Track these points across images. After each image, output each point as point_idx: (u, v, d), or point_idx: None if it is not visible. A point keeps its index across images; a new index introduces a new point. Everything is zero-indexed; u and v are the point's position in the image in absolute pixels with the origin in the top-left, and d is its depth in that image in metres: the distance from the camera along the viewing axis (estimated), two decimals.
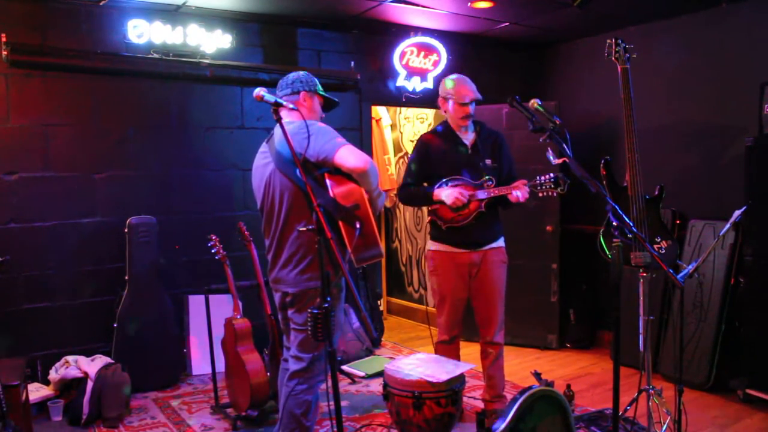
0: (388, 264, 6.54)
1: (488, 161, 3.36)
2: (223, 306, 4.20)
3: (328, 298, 2.06)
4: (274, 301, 2.82)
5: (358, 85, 5.00)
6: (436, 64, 5.24)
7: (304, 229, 2.29)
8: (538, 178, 3.16)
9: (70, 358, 3.84)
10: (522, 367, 4.58)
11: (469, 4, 4.37)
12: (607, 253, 3.31)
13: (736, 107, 4.27)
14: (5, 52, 3.72)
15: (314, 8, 4.49)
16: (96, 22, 4.05)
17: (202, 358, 4.34)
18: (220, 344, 3.78)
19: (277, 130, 2.60)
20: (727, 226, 3.18)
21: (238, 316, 3.65)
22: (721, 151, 4.39)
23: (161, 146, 4.34)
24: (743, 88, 4.17)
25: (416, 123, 6.13)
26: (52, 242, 3.98)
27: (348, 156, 2.42)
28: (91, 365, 3.74)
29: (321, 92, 2.72)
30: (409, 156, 3.55)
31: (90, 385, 3.62)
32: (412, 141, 6.19)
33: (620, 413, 2.90)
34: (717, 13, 4.39)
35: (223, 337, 3.75)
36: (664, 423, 3.14)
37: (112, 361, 3.84)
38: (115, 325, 4.04)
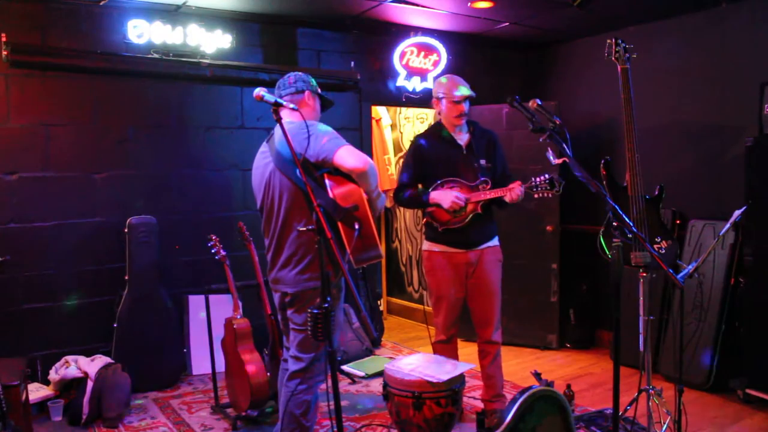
0: (388, 264, 6.54)
1: (483, 161, 3.36)
2: (223, 306, 4.20)
3: (328, 298, 2.06)
4: (273, 301, 2.82)
5: (358, 85, 5.00)
6: (436, 64, 5.24)
7: (304, 229, 2.29)
8: (533, 179, 3.16)
9: (70, 358, 3.85)
10: (522, 367, 4.58)
11: (469, 4, 4.37)
12: (607, 253, 3.31)
13: (736, 107, 4.27)
14: (5, 52, 3.72)
15: (314, 8, 4.49)
16: (96, 22, 4.05)
17: (202, 358, 4.34)
18: (220, 344, 3.78)
19: (277, 130, 2.60)
20: (727, 226, 3.18)
21: (238, 316, 3.65)
22: (721, 151, 4.38)
23: (161, 146, 4.34)
24: (743, 88, 4.17)
25: (416, 123, 6.13)
26: (52, 242, 3.98)
27: (347, 156, 2.42)
28: (91, 365, 3.74)
29: (318, 92, 2.73)
30: (403, 159, 3.54)
31: (90, 385, 3.62)
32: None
33: (620, 413, 2.89)
34: (717, 13, 4.39)
35: (223, 337, 3.75)
36: (664, 423, 3.14)
37: (112, 361, 3.84)
38: (115, 325, 4.04)
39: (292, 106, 2.45)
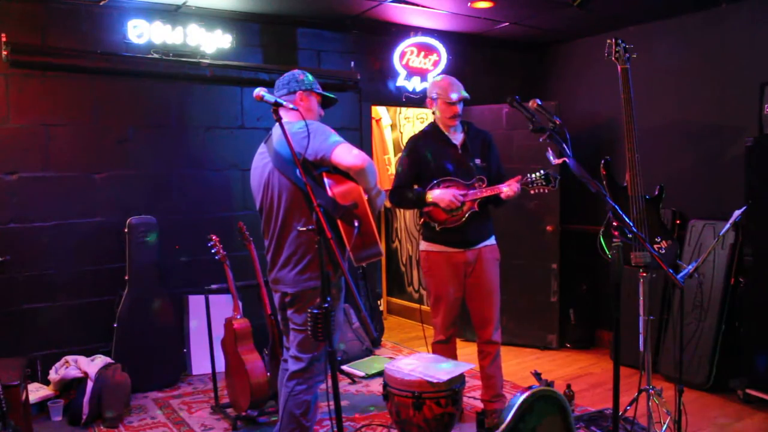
0: (388, 264, 6.54)
1: (478, 160, 3.36)
2: (223, 306, 4.20)
3: (328, 298, 2.06)
4: (273, 301, 2.82)
5: (358, 85, 5.00)
6: (436, 64, 5.24)
7: (304, 229, 2.28)
8: (528, 175, 3.17)
9: (70, 358, 3.85)
10: (522, 367, 4.58)
11: (469, 4, 4.37)
12: (607, 253, 3.31)
13: (736, 107, 4.27)
14: (5, 52, 3.72)
15: (314, 8, 4.49)
16: (96, 22, 4.05)
17: (202, 358, 4.34)
18: (220, 344, 3.78)
19: (275, 130, 2.60)
20: (727, 226, 3.18)
21: (238, 316, 3.65)
22: (721, 151, 4.38)
23: (161, 146, 4.34)
24: (743, 88, 4.17)
25: (416, 123, 6.13)
26: (52, 242, 3.98)
27: (345, 154, 2.42)
28: (91, 365, 3.74)
29: (318, 90, 2.72)
30: (399, 160, 3.54)
31: (90, 385, 3.62)
32: None
33: (620, 413, 2.90)
34: (717, 13, 4.39)
35: (223, 337, 3.75)
36: (664, 423, 3.14)
37: (112, 361, 3.84)
38: (115, 325, 4.04)
39: (291, 105, 2.45)
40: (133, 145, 4.24)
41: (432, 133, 3.43)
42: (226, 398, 3.78)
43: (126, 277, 4.11)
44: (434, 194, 3.27)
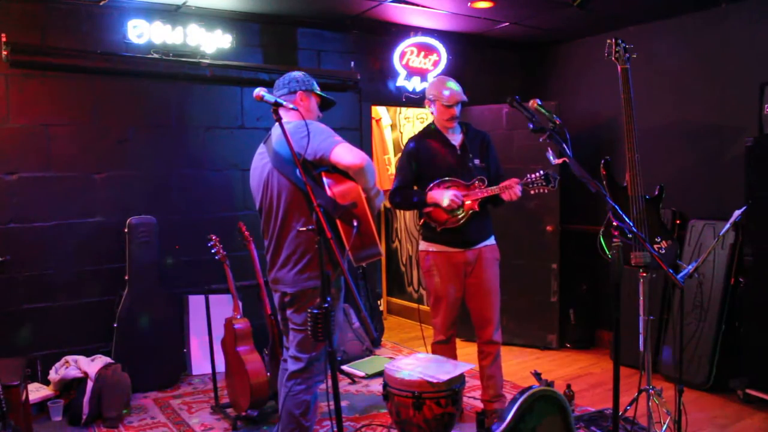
0: (388, 264, 6.54)
1: (477, 161, 3.37)
2: (223, 306, 4.20)
3: (328, 298, 2.06)
4: (273, 301, 2.82)
5: (358, 85, 5.00)
6: (436, 64, 5.24)
7: (304, 229, 2.28)
8: (528, 176, 3.17)
9: (70, 358, 3.85)
10: (522, 367, 4.58)
11: (469, 4, 4.37)
12: (607, 253, 3.31)
13: (736, 107, 4.27)
14: (5, 52, 3.72)
15: (314, 8, 4.49)
16: (96, 22, 4.05)
17: (202, 358, 4.34)
18: (220, 344, 3.78)
19: (275, 130, 2.61)
20: (727, 226, 3.18)
21: (238, 316, 3.65)
22: (721, 151, 4.38)
23: (161, 146, 4.34)
24: (743, 88, 4.17)
25: (416, 123, 6.13)
26: (52, 242, 3.98)
27: (344, 153, 2.42)
28: (91, 365, 3.74)
29: (318, 91, 2.72)
30: (398, 162, 3.54)
31: (90, 385, 3.62)
32: None
33: (620, 413, 2.90)
34: (717, 13, 4.39)
35: (223, 337, 3.75)
36: (664, 423, 3.14)
37: (112, 361, 3.84)
38: (115, 325, 4.04)
39: (291, 105, 2.45)
40: (133, 145, 4.24)
41: (431, 133, 3.43)
42: (226, 398, 3.78)
43: (126, 277, 4.11)
44: (434, 195, 3.27)
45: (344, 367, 4.49)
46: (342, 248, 2.39)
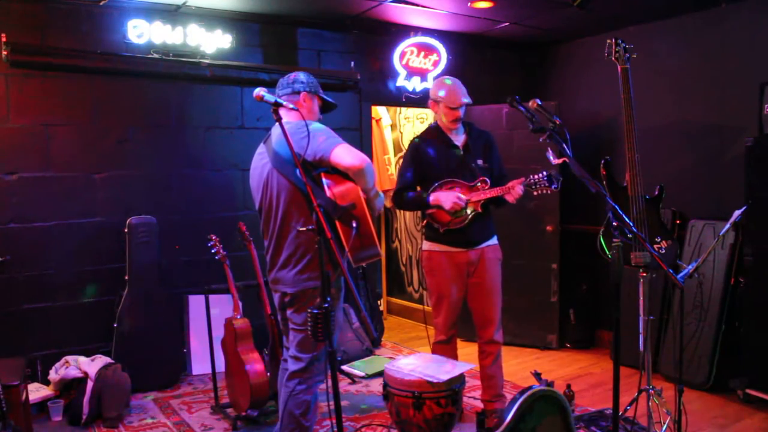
0: (388, 264, 6.54)
1: (480, 161, 3.36)
2: (223, 306, 4.20)
3: (328, 298, 2.06)
4: (273, 301, 2.82)
5: (358, 85, 5.00)
6: (436, 64, 5.24)
7: (304, 229, 2.29)
8: (531, 177, 3.16)
9: (70, 358, 3.85)
10: (522, 367, 4.58)
11: (469, 4, 4.37)
12: (607, 253, 3.31)
13: (736, 107, 4.27)
14: (5, 52, 3.72)
15: (314, 8, 4.49)
16: (96, 22, 4.05)
17: (202, 358, 4.34)
18: (220, 344, 3.78)
19: (274, 130, 2.61)
20: (727, 226, 3.18)
21: (238, 316, 3.65)
22: (721, 151, 4.38)
23: (161, 146, 4.34)
24: (743, 88, 4.17)
25: (416, 123, 6.13)
26: (52, 242, 3.98)
27: (344, 154, 2.42)
28: (91, 365, 3.74)
29: (321, 95, 2.73)
30: (401, 162, 3.54)
31: (90, 385, 3.62)
32: None
33: (620, 413, 2.90)
34: (717, 13, 4.39)
35: (223, 337, 3.75)
36: (664, 423, 3.14)
37: (112, 361, 3.84)
38: (115, 325, 4.04)
39: (291, 105, 2.45)
40: (133, 145, 4.24)
41: (434, 134, 3.43)
42: (226, 398, 3.78)
43: (126, 277, 4.11)
44: (438, 196, 3.26)
45: (344, 367, 4.49)
46: (342, 248, 2.39)
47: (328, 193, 2.43)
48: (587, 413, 3.65)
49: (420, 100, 5.33)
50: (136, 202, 4.22)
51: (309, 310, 2.05)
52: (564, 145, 2.37)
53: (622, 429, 3.25)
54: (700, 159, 4.51)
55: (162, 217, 4.25)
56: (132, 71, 4.15)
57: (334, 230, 2.38)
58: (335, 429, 2.06)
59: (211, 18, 4.34)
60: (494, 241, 3.45)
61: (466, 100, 3.32)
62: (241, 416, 3.55)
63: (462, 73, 3.50)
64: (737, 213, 3.19)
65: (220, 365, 3.85)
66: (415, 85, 5.24)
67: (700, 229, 4.34)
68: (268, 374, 3.53)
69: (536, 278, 5.08)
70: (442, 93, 3.34)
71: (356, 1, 4.29)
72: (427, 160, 3.37)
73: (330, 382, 2.07)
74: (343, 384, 4.24)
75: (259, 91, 2.24)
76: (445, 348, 3.45)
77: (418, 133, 3.59)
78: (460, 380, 2.98)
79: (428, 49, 5.18)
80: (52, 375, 3.77)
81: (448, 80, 3.40)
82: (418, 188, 3.41)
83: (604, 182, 3.41)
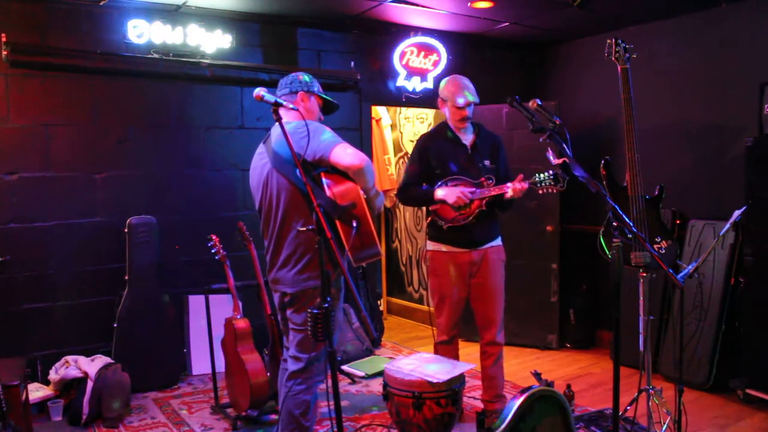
0: (388, 264, 6.54)
1: (487, 162, 3.36)
2: (223, 306, 4.20)
3: (328, 298, 2.06)
4: (273, 301, 2.82)
5: (358, 85, 5.00)
6: (436, 64, 5.24)
7: (304, 229, 2.29)
8: (537, 175, 3.15)
9: (70, 358, 3.85)
10: (522, 367, 4.58)
11: (469, 4, 4.37)
12: (607, 253, 3.31)
13: (736, 107, 4.27)
14: (5, 52, 3.72)
15: (314, 8, 4.49)
16: (96, 22, 4.05)
17: (202, 358, 4.34)
18: (220, 344, 3.78)
19: (274, 130, 2.61)
20: (727, 226, 3.18)
21: (238, 316, 3.65)
22: (721, 151, 4.38)
23: (161, 146, 4.34)
24: (743, 88, 4.17)
25: (416, 123, 6.13)
26: (52, 242, 3.98)
27: (344, 154, 2.42)
28: (91, 365, 3.74)
29: (321, 94, 2.73)
30: (409, 156, 3.54)
31: (90, 385, 3.62)
32: (412, 141, 6.19)
33: (620, 413, 2.90)
34: (717, 14, 4.39)
35: (223, 337, 3.75)
36: (664, 423, 3.14)
37: (112, 361, 3.84)
38: (115, 325, 4.04)
39: (291, 105, 2.45)
40: (133, 145, 4.24)
41: (443, 132, 3.42)
42: (226, 398, 3.78)
43: (126, 277, 4.11)
44: (442, 192, 3.26)
45: (344, 367, 4.49)
46: (342, 248, 2.39)
47: (328, 192, 2.43)
48: (587, 413, 3.65)
49: (420, 100, 5.33)
50: (136, 202, 4.22)
51: (309, 310, 2.05)
52: (564, 145, 2.37)
53: (622, 429, 3.25)
54: (700, 159, 4.51)
55: (162, 217, 4.25)
56: (132, 71, 4.15)
57: (334, 230, 2.38)
58: (335, 429, 2.06)
59: (211, 18, 4.34)
60: (498, 242, 3.44)
61: (472, 99, 3.32)
62: (241, 416, 3.55)
63: (462, 73, 3.48)
64: (737, 213, 3.20)
65: (220, 365, 3.85)
66: (415, 85, 5.24)
67: (700, 229, 4.34)
68: (268, 374, 3.53)
69: (536, 278, 5.08)
70: (448, 92, 3.34)
71: (356, 1, 4.29)
72: (435, 156, 3.37)
73: (330, 382, 2.07)
74: (343, 384, 4.24)
75: (259, 91, 2.24)
76: (446, 348, 3.45)
77: (428, 130, 3.59)
78: (460, 380, 2.98)
79: (428, 49, 5.18)
80: (52, 375, 3.77)
81: (456, 79, 3.39)
82: (424, 185, 3.41)
83: (604, 182, 3.40)
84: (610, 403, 3.26)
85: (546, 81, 5.73)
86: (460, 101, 3.30)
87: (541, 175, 3.13)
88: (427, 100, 5.35)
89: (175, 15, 4.24)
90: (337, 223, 2.40)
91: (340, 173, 2.49)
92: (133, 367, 3.89)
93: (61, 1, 3.92)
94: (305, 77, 2.70)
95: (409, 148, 6.25)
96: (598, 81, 5.17)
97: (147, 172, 4.29)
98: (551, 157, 2.45)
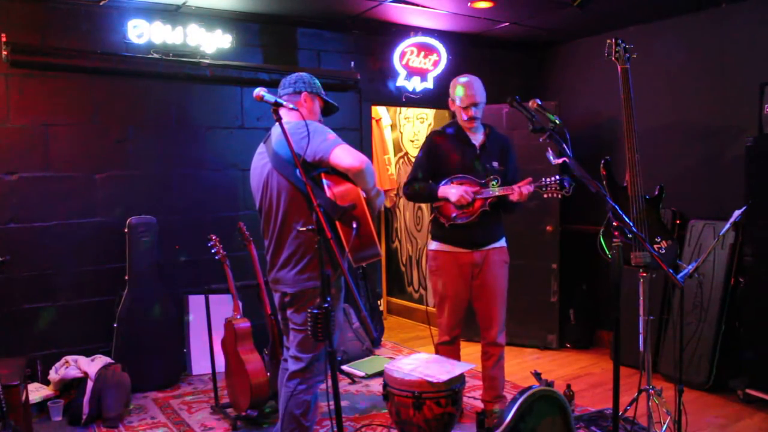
0: (388, 264, 6.54)
1: (495, 163, 3.36)
2: (223, 306, 4.20)
3: (328, 298, 2.06)
4: (273, 301, 2.82)
5: (358, 85, 5.00)
6: (436, 64, 5.24)
7: (304, 229, 2.29)
8: (543, 179, 3.14)
9: (70, 358, 3.85)
10: (522, 367, 4.58)
11: (469, 4, 4.37)
12: (607, 253, 3.31)
13: (736, 107, 4.27)
14: (5, 52, 3.72)
15: (314, 8, 4.49)
16: (96, 22, 4.05)
17: (202, 358, 4.34)
18: (220, 344, 3.78)
19: (274, 130, 2.61)
20: (727, 226, 3.18)
21: (238, 316, 3.65)
22: (721, 151, 4.38)
23: (161, 146, 4.34)
24: (743, 88, 4.17)
25: (416, 123, 6.13)
26: (52, 242, 3.98)
27: (344, 155, 2.42)
28: (91, 365, 3.74)
29: (323, 96, 2.73)
30: (417, 153, 3.55)
31: (90, 385, 3.62)
32: (412, 141, 6.19)
33: (620, 413, 2.89)
34: (717, 14, 4.39)
35: (223, 337, 3.75)
36: (664, 423, 3.14)
37: (112, 361, 3.84)
38: (115, 325, 4.04)
39: (291, 105, 2.45)
40: (133, 145, 4.24)
41: (453, 131, 3.42)
42: (226, 398, 3.78)
43: (126, 277, 4.11)
44: (446, 189, 3.26)
45: (344, 367, 4.49)
46: (342, 248, 2.39)
47: (328, 193, 2.43)
48: (587, 413, 3.65)
49: (420, 100, 5.33)
50: (136, 202, 4.22)
51: (309, 310, 2.05)
52: (564, 145, 2.38)
53: (622, 429, 3.25)
54: (700, 159, 4.51)
55: (162, 217, 4.25)
56: (132, 71, 4.15)
57: (334, 230, 2.38)
58: (335, 429, 2.06)
59: (211, 18, 4.34)
60: (501, 243, 3.43)
61: (478, 99, 3.31)
62: (241, 416, 3.55)
63: (462, 73, 3.49)
64: (737, 213, 3.19)
65: (220, 365, 3.84)
66: (415, 85, 5.24)
67: (700, 229, 4.34)
68: (268, 374, 3.53)
69: (536, 278, 5.08)
70: (454, 92, 3.35)
71: (356, 1, 4.29)
72: (443, 154, 3.37)
73: (330, 382, 2.07)
74: (343, 384, 4.24)
75: (259, 90, 2.24)
76: (448, 349, 3.44)
77: (439, 127, 3.60)
78: (460, 380, 2.98)
79: (428, 49, 5.18)
80: (52, 375, 3.77)
81: (463, 79, 3.39)
82: (430, 181, 3.41)
83: (604, 182, 3.40)
84: (610, 403, 3.26)
85: (546, 81, 5.73)
86: (465, 101, 3.30)
87: (548, 180, 3.12)
88: (427, 100, 5.34)
89: (175, 15, 4.24)
90: (337, 223, 2.40)
91: (340, 174, 2.49)
92: (133, 367, 3.89)
93: (61, 1, 3.92)
94: (309, 78, 2.70)
95: (409, 148, 6.26)
96: (598, 81, 5.17)
97: (147, 172, 4.29)
98: (551, 157, 2.45)
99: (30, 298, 3.92)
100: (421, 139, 6.04)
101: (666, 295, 4.43)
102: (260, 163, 2.65)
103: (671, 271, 2.42)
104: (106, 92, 4.13)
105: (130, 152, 4.23)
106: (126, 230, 4.10)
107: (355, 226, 2.39)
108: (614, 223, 2.34)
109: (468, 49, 5.49)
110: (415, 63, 5.16)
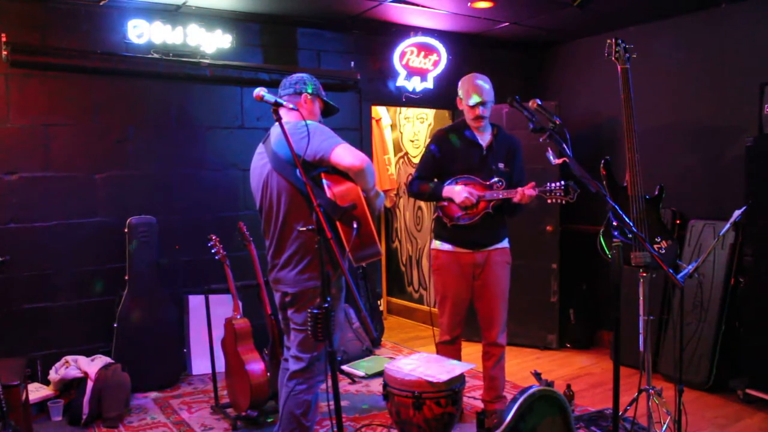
0: (388, 264, 6.54)
1: (501, 164, 3.34)
2: (223, 306, 4.20)
3: (328, 298, 2.06)
4: (274, 301, 2.82)
5: (358, 85, 5.00)
6: (436, 64, 5.24)
7: (304, 229, 2.29)
8: (548, 184, 3.12)
9: (70, 358, 3.85)
10: (522, 367, 4.58)
11: (469, 4, 4.37)
12: (607, 253, 3.31)
13: (736, 107, 4.27)
14: (5, 52, 3.72)
15: (314, 8, 4.49)
16: (96, 22, 4.05)
17: (202, 358, 4.34)
18: (220, 344, 3.78)
19: (273, 130, 2.61)
20: (727, 226, 3.18)
21: (238, 316, 3.65)
22: (721, 151, 4.38)
23: (161, 146, 4.34)
24: (743, 88, 4.17)
25: (416, 123, 6.13)
26: (52, 242, 3.98)
27: (344, 154, 2.42)
28: (91, 365, 3.74)
29: (323, 97, 2.73)
30: (423, 151, 3.55)
31: (90, 385, 3.62)
32: (412, 141, 6.19)
33: (620, 413, 2.89)
34: (717, 14, 4.39)
35: (223, 337, 3.75)
36: (664, 423, 3.14)
37: (112, 361, 3.84)
38: (115, 325, 4.04)
39: (291, 105, 2.45)
40: (133, 145, 4.24)
41: (460, 129, 3.41)
42: (226, 398, 3.78)
43: (126, 277, 4.11)
44: (451, 189, 3.26)
45: (344, 367, 4.49)
46: (342, 248, 2.39)
47: (328, 193, 2.43)
48: (587, 413, 3.65)
49: (420, 100, 5.33)
50: (136, 202, 4.22)
51: (309, 310, 2.05)
52: (564, 145, 2.38)
53: (622, 429, 3.25)
54: (700, 159, 4.51)
55: (162, 217, 4.25)
56: (132, 71, 4.15)
57: (334, 230, 2.38)
58: (335, 429, 2.06)
59: (211, 18, 4.34)
60: (504, 244, 3.43)
61: (486, 98, 3.30)
62: (241, 416, 3.55)
63: (462, 73, 3.48)
64: (737, 213, 3.20)
65: (220, 365, 3.84)
66: (415, 85, 5.24)
67: (700, 229, 4.34)
68: (268, 374, 3.53)
69: (536, 278, 5.08)
70: (461, 91, 3.35)
71: (356, 1, 4.29)
72: (449, 153, 3.36)
73: (330, 382, 2.07)
74: (343, 384, 4.24)
75: (259, 90, 2.24)
76: (448, 349, 3.44)
77: (446, 126, 3.59)
78: (460, 380, 2.98)
79: (428, 49, 5.18)
80: (52, 375, 3.77)
81: (471, 78, 3.37)
82: (435, 180, 3.40)
83: (604, 182, 3.40)
84: (610, 403, 3.26)
85: (546, 81, 5.73)
86: (471, 101, 3.29)
87: (553, 185, 3.10)
88: (427, 100, 5.34)
89: (175, 15, 4.24)
90: (338, 223, 2.40)
91: (340, 174, 2.49)
92: (133, 367, 3.89)
93: (61, 1, 3.92)
94: (310, 79, 2.71)
95: (409, 148, 6.26)
96: (598, 81, 5.17)
97: (147, 172, 4.29)
98: (551, 157, 2.45)
99: (30, 298, 3.92)
100: (422, 139, 6.04)
101: (666, 295, 4.43)
102: (260, 164, 2.65)
103: (671, 271, 2.42)
104: (106, 92, 4.13)
105: (130, 152, 4.23)
106: (126, 230, 4.10)
107: (355, 226, 2.39)
108: (614, 223, 2.35)
109: (468, 49, 5.49)
110: (415, 63, 5.16)
